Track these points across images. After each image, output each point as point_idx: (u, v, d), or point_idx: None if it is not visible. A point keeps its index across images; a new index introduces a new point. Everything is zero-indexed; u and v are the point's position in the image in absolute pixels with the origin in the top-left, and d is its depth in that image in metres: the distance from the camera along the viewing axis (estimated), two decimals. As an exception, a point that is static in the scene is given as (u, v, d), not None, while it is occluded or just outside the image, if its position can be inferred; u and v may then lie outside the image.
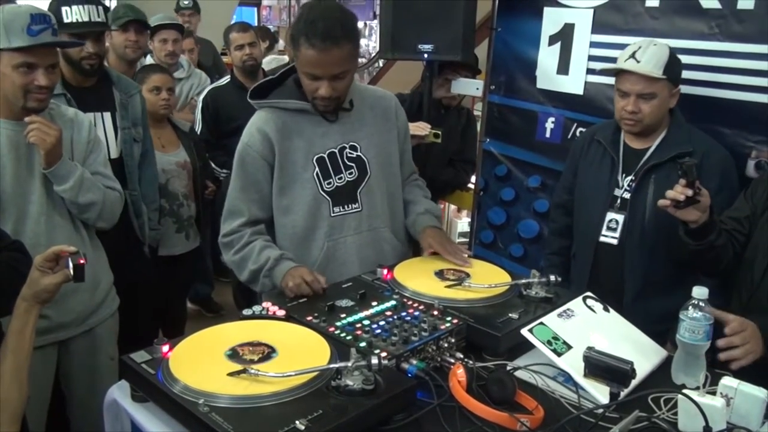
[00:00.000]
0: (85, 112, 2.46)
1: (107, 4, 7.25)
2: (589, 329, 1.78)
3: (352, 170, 2.20)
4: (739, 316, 2.03)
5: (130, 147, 2.76)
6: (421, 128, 3.17)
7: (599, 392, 1.55)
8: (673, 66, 2.28)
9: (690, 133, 2.35)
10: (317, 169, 2.16)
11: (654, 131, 2.38)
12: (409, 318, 1.78)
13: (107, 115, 2.71)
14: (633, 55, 2.28)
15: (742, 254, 2.07)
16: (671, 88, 2.32)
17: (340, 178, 2.19)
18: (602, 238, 2.46)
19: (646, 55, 2.26)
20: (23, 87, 2.07)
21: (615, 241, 2.43)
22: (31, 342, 1.64)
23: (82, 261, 1.67)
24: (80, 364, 2.37)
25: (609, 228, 2.44)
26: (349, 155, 2.20)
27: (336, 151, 2.18)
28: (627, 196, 2.41)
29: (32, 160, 2.16)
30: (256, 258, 2.10)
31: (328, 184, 2.17)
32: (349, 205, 2.21)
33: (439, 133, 3.25)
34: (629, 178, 2.42)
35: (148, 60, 4.32)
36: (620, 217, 2.42)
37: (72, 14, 2.53)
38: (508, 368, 1.66)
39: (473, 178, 3.73)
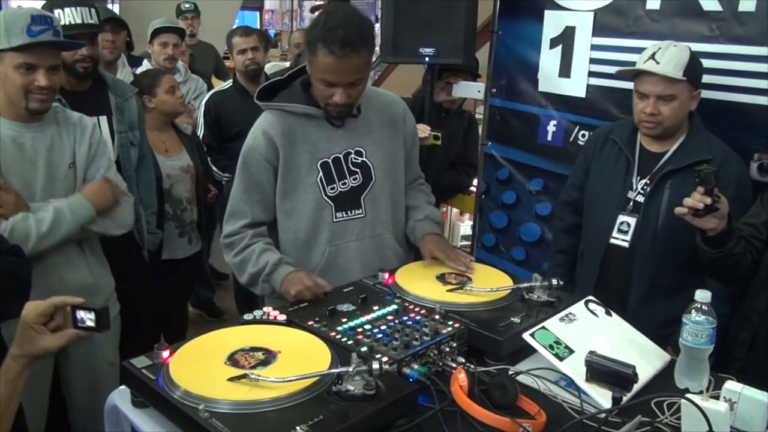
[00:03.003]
0: None
1: (110, 6, 7.30)
2: (591, 333, 1.77)
3: (357, 176, 2.20)
4: (755, 323, 2.03)
5: (127, 151, 2.75)
6: (420, 130, 3.17)
7: (602, 397, 1.55)
8: (693, 67, 2.24)
9: (709, 141, 2.31)
10: (321, 174, 2.15)
11: (673, 134, 2.34)
12: (410, 322, 1.77)
13: (103, 119, 2.70)
14: (653, 56, 2.24)
15: (760, 261, 2.05)
16: (691, 90, 2.27)
17: (344, 184, 2.18)
18: (612, 240, 2.42)
19: (666, 56, 2.22)
20: (24, 87, 2.08)
21: (626, 244, 2.39)
22: (20, 396, 1.46)
23: (100, 307, 1.40)
24: (79, 370, 2.37)
25: (620, 230, 2.41)
26: (354, 161, 2.19)
27: (341, 156, 2.17)
28: (640, 199, 2.37)
29: (37, 161, 2.16)
30: (256, 261, 2.10)
31: (332, 189, 2.17)
32: (353, 211, 2.20)
33: (439, 135, 3.25)
34: (644, 181, 2.38)
35: (146, 65, 4.33)
36: (632, 220, 2.38)
37: (64, 17, 2.53)
38: (510, 373, 1.65)
39: (475, 182, 3.72)
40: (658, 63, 2.22)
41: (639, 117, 2.32)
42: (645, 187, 2.38)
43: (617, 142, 2.46)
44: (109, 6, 8.00)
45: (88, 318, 1.38)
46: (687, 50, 2.25)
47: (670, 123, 2.29)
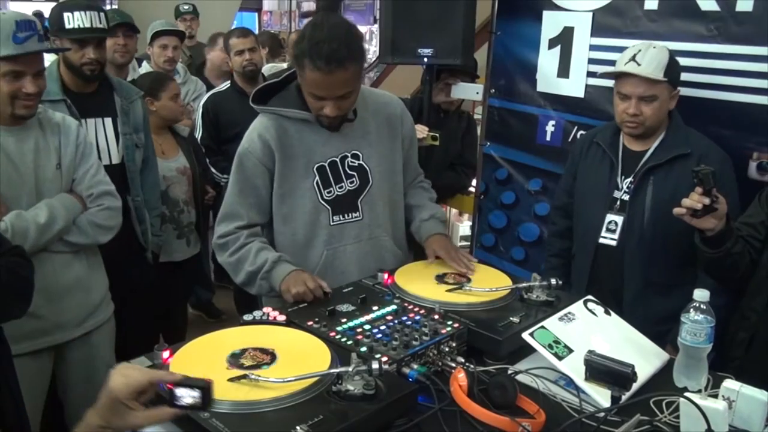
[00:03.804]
0: (86, 118, 2.46)
1: (108, 7, 7.28)
2: (590, 333, 1.78)
3: (353, 179, 2.19)
4: (754, 322, 2.03)
5: (132, 153, 2.76)
6: (418, 130, 3.17)
7: (601, 396, 1.55)
8: (672, 68, 2.30)
9: (688, 135, 2.37)
10: (317, 177, 2.15)
11: (654, 133, 2.39)
12: (409, 322, 1.77)
13: (108, 121, 2.71)
14: (633, 58, 2.29)
15: (759, 260, 2.06)
16: (671, 90, 2.33)
17: (340, 187, 2.18)
18: (601, 240, 2.47)
19: (647, 57, 2.27)
20: (10, 94, 2.07)
21: (614, 243, 2.44)
22: None
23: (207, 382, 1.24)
24: (77, 373, 2.37)
25: (608, 230, 2.45)
26: (350, 164, 2.19)
27: (337, 159, 2.17)
28: (626, 197, 2.42)
29: (24, 163, 2.16)
30: (253, 260, 2.09)
31: (328, 192, 2.17)
32: (350, 214, 2.20)
33: (437, 135, 3.25)
34: (628, 179, 2.43)
35: (145, 66, 4.33)
36: (619, 219, 2.43)
37: (74, 20, 2.54)
38: (510, 372, 1.65)
39: (474, 182, 3.73)
40: (639, 65, 2.27)
41: (621, 117, 2.37)
42: (629, 185, 2.42)
43: (600, 144, 2.52)
44: (107, 6, 8.02)
45: (190, 395, 1.23)
46: (666, 51, 2.30)
47: (652, 122, 2.34)
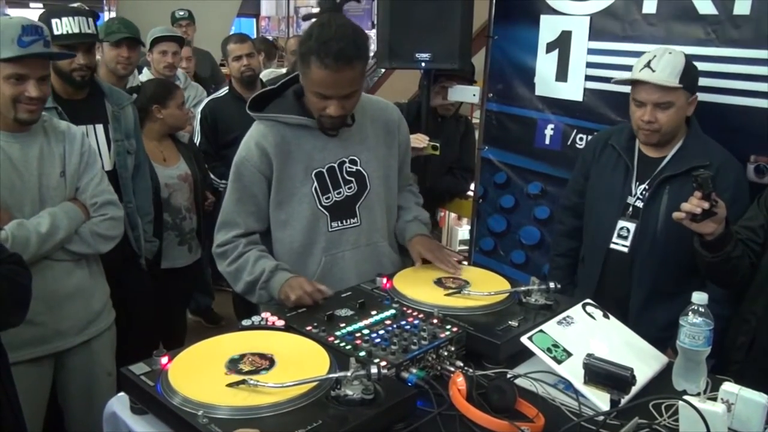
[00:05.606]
0: (76, 124, 2.45)
1: (105, 15, 7.30)
2: (588, 336, 1.77)
3: (351, 185, 2.19)
4: (754, 326, 2.03)
5: (124, 159, 2.75)
6: (419, 140, 3.18)
7: (600, 399, 1.55)
8: (689, 73, 2.25)
9: (706, 145, 2.32)
10: (316, 183, 2.14)
11: (671, 140, 2.34)
12: (408, 327, 1.77)
13: (99, 128, 2.70)
14: (648, 65, 2.24)
15: (758, 264, 2.05)
16: (688, 96, 2.27)
17: (338, 193, 2.18)
18: (612, 246, 2.43)
19: (661, 63, 2.22)
20: (13, 98, 2.07)
21: (625, 249, 2.40)
22: None
23: None
24: (78, 381, 2.36)
25: (620, 236, 2.42)
26: (348, 169, 2.18)
27: (335, 165, 2.16)
28: (639, 204, 2.38)
29: (28, 171, 2.16)
30: (252, 269, 2.09)
31: (327, 198, 2.16)
32: (348, 220, 2.20)
33: (437, 145, 3.25)
34: (643, 186, 2.38)
35: (145, 73, 4.34)
36: (632, 226, 2.39)
37: (62, 26, 2.54)
38: (509, 376, 1.65)
39: (473, 186, 3.73)
40: (653, 71, 2.22)
41: (637, 124, 2.33)
42: (644, 192, 2.38)
43: (615, 147, 2.47)
44: (106, 13, 8.04)
45: None
46: (682, 56, 2.25)
47: (668, 129, 2.29)
